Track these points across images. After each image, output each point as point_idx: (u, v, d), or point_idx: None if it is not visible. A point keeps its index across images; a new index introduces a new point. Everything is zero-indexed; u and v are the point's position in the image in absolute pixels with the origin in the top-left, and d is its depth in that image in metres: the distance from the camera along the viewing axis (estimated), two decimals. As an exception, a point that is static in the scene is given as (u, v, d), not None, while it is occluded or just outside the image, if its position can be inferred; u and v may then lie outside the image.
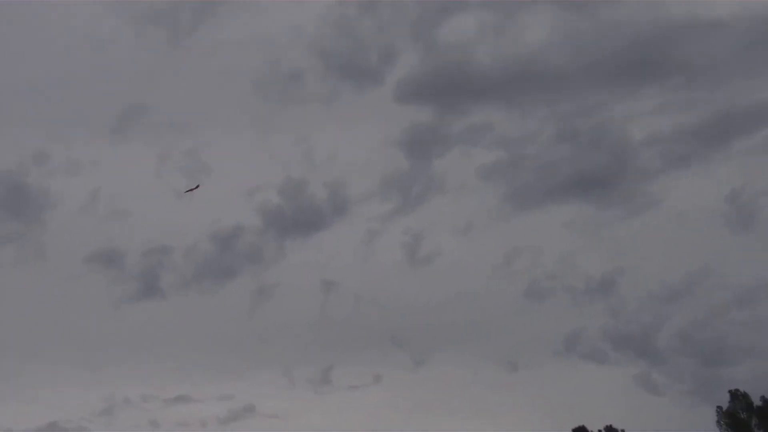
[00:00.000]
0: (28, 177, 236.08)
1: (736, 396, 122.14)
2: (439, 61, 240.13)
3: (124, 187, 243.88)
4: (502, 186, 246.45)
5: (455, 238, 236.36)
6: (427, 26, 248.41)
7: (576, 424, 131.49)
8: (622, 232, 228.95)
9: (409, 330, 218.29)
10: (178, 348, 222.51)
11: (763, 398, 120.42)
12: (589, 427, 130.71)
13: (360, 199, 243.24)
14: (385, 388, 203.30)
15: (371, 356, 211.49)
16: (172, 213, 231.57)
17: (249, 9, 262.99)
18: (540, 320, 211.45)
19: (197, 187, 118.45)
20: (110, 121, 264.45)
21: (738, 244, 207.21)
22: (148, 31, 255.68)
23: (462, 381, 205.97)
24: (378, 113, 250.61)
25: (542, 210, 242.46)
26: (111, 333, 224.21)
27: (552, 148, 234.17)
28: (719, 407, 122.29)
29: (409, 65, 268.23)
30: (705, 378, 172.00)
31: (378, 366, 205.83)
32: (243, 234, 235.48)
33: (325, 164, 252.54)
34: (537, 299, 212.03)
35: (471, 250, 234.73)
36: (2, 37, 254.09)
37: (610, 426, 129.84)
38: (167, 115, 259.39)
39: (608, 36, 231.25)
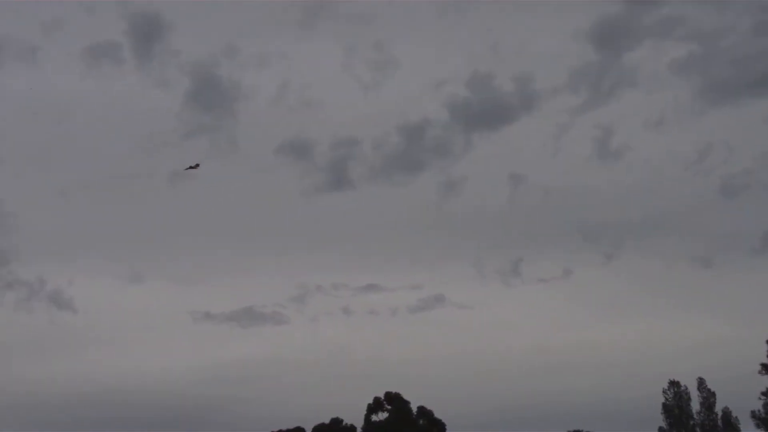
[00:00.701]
0: (220, 70, 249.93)
1: None
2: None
3: (313, 79, 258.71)
4: (695, 80, 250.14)
5: (646, 133, 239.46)
6: None
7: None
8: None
9: (600, 224, 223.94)
10: (368, 238, 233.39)
11: None
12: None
13: (548, 93, 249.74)
14: (575, 282, 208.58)
15: (561, 250, 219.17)
16: (359, 105, 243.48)
17: None
18: (735, 217, 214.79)
19: (197, 166, 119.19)
20: (298, 15, 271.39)
21: None
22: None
23: (653, 277, 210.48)
24: (567, 5, 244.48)
25: (738, 105, 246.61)
26: (302, 223, 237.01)
27: (749, 41, 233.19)
28: None
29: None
30: None
31: (568, 259, 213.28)
32: (430, 127, 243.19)
33: (512, 57, 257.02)
34: (731, 195, 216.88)
35: (662, 145, 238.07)
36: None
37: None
38: (354, 8, 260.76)
39: None
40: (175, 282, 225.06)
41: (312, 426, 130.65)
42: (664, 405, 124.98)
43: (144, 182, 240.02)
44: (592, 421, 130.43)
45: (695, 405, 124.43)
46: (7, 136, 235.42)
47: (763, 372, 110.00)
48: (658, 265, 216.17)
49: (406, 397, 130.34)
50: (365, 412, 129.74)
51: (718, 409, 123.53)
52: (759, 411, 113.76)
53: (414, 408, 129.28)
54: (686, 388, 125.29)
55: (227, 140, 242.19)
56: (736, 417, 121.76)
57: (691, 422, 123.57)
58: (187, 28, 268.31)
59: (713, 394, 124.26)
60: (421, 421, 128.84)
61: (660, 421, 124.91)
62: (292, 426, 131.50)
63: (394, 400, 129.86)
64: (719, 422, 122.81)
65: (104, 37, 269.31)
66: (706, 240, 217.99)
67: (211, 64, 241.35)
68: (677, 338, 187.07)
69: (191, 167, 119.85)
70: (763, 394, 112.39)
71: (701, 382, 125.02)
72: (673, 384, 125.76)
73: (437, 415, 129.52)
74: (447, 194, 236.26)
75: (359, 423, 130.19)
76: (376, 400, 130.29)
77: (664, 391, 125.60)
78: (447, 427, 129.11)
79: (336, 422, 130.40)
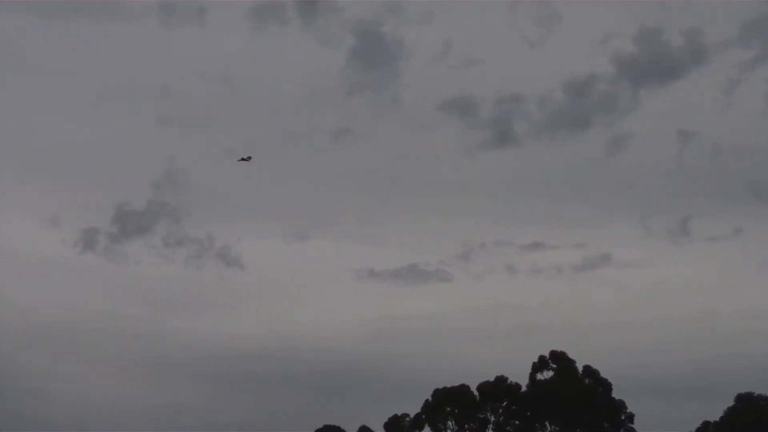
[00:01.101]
0: (383, 27, 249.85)
1: None
2: None
3: (477, 35, 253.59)
4: None
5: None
6: None
7: None
8: None
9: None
10: (532, 196, 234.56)
11: None
12: None
13: (719, 47, 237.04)
14: (745, 241, 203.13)
15: (731, 208, 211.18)
16: (524, 61, 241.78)
17: None
18: None
19: (249, 158, 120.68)
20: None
21: None
22: None
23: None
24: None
25: None
26: (465, 180, 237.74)
27: None
28: None
29: None
30: None
31: (738, 218, 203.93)
32: (596, 83, 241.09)
33: (681, 10, 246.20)
34: None
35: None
36: None
37: None
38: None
39: None
40: (340, 239, 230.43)
41: (476, 384, 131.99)
42: None
43: (308, 140, 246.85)
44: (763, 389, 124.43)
45: None
46: (178, 96, 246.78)
47: None
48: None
49: (570, 356, 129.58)
50: (530, 371, 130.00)
51: None
52: None
53: (579, 367, 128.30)
54: None
55: (390, 98, 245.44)
56: None
57: None
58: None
59: None
60: (586, 381, 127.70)
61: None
62: (456, 383, 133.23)
63: (559, 358, 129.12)
64: None
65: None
66: None
67: (374, 21, 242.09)
68: None
69: (243, 159, 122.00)
70: None
71: None
72: None
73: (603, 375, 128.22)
74: (613, 151, 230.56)
75: (524, 381, 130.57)
76: (541, 358, 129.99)
77: None
78: (613, 388, 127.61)
79: (501, 380, 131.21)
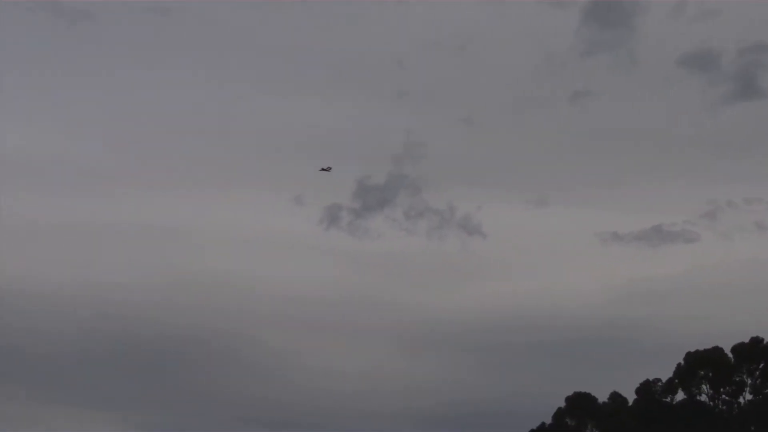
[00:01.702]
0: None
1: None
2: None
3: None
4: None
5: None
6: None
7: None
8: None
9: None
10: None
11: None
12: None
13: None
14: None
15: None
16: (765, 7, 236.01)
17: None
18: None
19: (329, 168, 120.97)
20: None
21: None
22: None
23: None
24: None
25: None
26: (709, 136, 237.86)
27: None
28: None
29: None
30: None
31: None
32: None
33: None
34: None
35: None
36: None
37: None
38: None
39: None
40: (580, 204, 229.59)
41: (731, 346, 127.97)
42: None
43: (545, 105, 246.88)
44: None
45: None
46: (413, 69, 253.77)
47: None
48: None
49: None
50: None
51: None
52: None
53: None
54: None
55: (627, 56, 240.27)
56: None
57: None
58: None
59: None
60: None
61: None
62: (709, 346, 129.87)
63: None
64: None
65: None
66: None
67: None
68: None
69: (324, 169, 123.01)
70: None
71: None
72: None
73: None
74: None
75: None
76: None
77: None
78: None
79: (757, 341, 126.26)
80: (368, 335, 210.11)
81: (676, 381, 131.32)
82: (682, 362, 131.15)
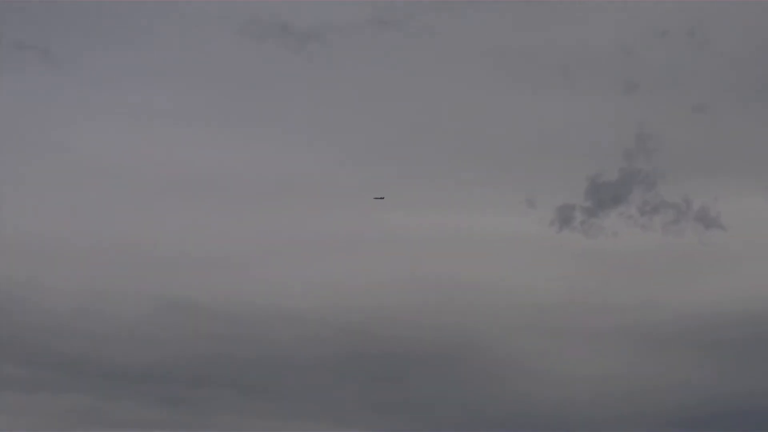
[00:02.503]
0: None
1: None
2: None
3: None
4: None
5: None
6: None
7: None
8: None
9: None
10: None
11: None
12: None
13: None
14: None
15: None
16: None
17: None
18: None
19: (382, 198, 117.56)
20: None
21: None
22: None
23: None
24: None
25: None
26: None
27: None
28: None
29: None
30: None
31: None
32: None
33: None
34: None
35: None
36: None
37: None
38: None
39: None
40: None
41: None
42: None
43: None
44: None
45: None
46: (641, 58, 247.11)
47: None
48: None
49: None
50: None
51: None
52: None
53: None
54: None
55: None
56: None
57: None
58: None
59: None
60: None
61: None
62: None
63: None
64: None
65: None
66: None
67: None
68: None
69: (377, 198, 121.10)
70: None
71: None
72: None
73: None
74: None
75: None
76: None
77: None
78: None
79: None
80: (604, 336, 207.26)
81: None
82: None
